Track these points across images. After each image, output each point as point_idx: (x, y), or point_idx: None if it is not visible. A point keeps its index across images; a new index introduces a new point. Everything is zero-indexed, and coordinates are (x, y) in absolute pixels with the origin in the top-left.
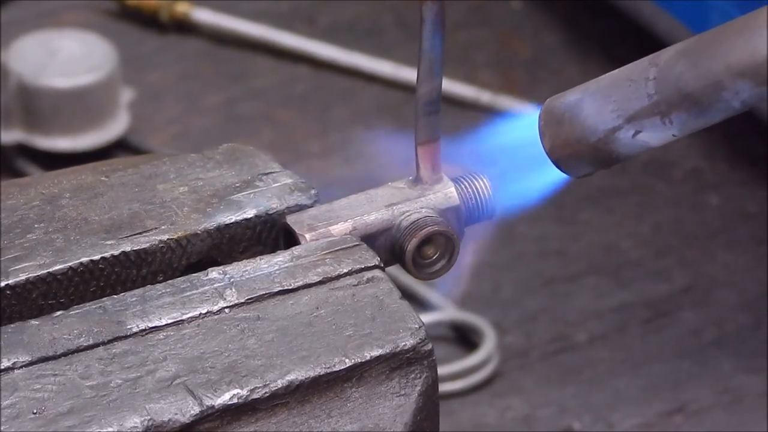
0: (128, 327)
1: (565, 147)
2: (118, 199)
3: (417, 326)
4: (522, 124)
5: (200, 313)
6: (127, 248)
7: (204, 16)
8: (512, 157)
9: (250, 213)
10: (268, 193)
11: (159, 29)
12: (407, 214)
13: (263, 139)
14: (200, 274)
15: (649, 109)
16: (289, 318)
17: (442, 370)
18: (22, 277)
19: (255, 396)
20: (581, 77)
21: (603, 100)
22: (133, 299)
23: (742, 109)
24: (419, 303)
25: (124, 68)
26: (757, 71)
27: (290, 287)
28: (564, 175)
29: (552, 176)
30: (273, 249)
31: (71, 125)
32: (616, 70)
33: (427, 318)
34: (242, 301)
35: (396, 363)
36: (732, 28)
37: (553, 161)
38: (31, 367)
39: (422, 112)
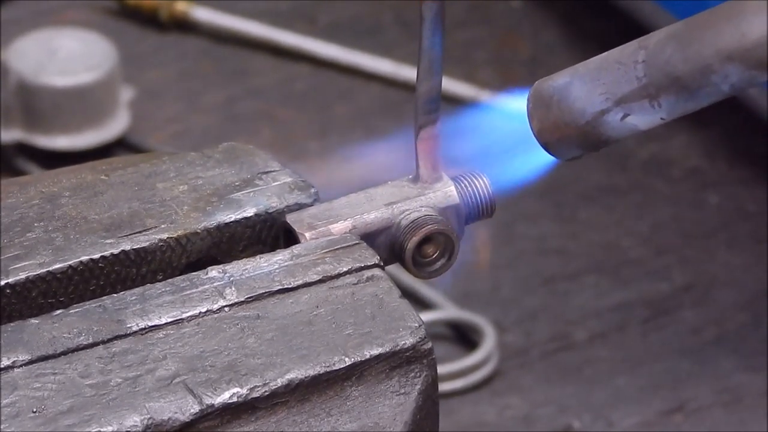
0: (128, 326)
1: (554, 130)
2: (118, 197)
3: (417, 325)
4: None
5: (200, 312)
6: (127, 247)
7: (203, 14)
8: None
9: (249, 212)
10: (268, 191)
11: (159, 28)
12: (407, 212)
13: (263, 138)
14: (200, 273)
15: (638, 92)
16: (288, 317)
17: (441, 369)
18: (22, 275)
19: (255, 395)
20: None
21: (592, 83)
22: (133, 298)
23: (731, 92)
24: (419, 302)
25: (123, 67)
26: (746, 55)
27: (290, 286)
28: (552, 158)
29: (542, 159)
30: (273, 248)
31: (71, 124)
32: (605, 53)
33: (426, 317)
34: (242, 299)
35: (396, 362)
36: (721, 12)
37: (541, 144)
38: (30, 366)
39: (422, 111)
